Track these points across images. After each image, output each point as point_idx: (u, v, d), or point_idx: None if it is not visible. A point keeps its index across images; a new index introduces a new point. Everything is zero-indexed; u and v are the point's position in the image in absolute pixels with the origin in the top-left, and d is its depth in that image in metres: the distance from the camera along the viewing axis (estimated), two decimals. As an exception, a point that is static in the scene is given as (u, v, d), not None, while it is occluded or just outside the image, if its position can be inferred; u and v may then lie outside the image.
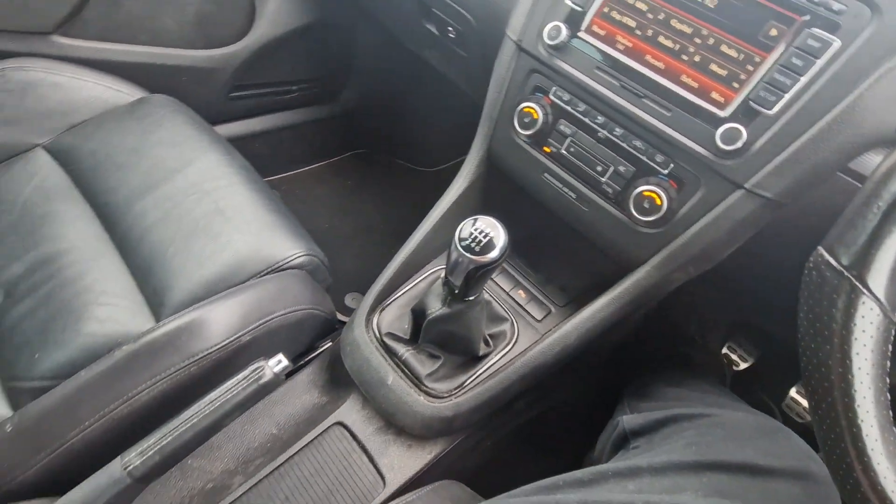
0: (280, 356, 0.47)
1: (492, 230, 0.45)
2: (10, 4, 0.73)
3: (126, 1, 0.87)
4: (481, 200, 0.69)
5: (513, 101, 0.59)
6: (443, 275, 0.54)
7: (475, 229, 0.45)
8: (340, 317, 0.71)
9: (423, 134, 1.52)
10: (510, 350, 0.60)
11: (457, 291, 0.50)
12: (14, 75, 0.71)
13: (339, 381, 0.62)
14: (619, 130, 0.52)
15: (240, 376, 0.45)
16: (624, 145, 0.52)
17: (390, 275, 0.63)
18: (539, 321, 0.65)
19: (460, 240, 0.45)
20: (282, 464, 0.54)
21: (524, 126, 0.58)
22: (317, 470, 0.54)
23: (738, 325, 0.93)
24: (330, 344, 0.66)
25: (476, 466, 0.64)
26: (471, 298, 0.51)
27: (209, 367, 0.49)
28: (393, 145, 1.54)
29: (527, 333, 0.63)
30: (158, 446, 0.41)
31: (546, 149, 0.58)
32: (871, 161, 0.42)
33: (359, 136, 1.51)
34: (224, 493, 0.53)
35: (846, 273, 0.29)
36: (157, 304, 0.59)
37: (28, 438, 0.43)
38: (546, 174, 0.59)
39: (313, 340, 0.68)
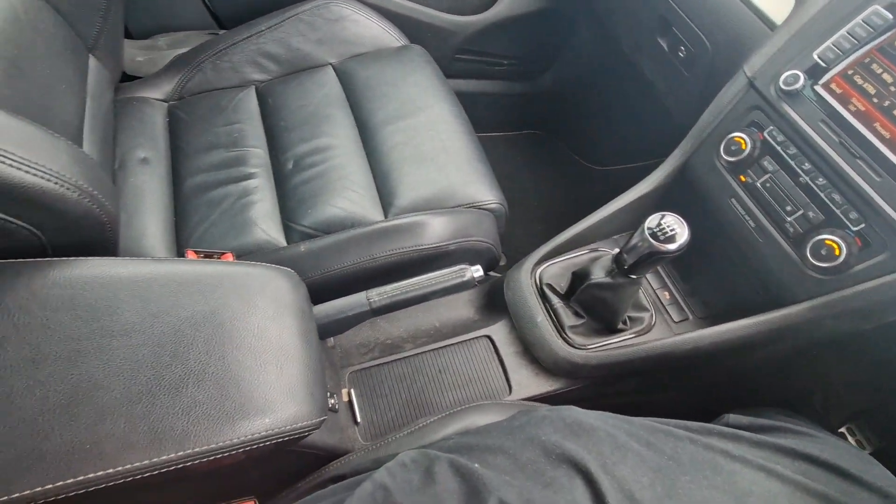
0: (478, 266, 0.63)
1: (678, 227, 0.55)
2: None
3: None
4: (658, 204, 0.78)
5: (725, 128, 0.67)
6: (614, 251, 0.65)
7: (664, 222, 0.55)
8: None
9: (602, 133, 1.59)
10: (644, 336, 0.70)
11: (625, 267, 0.60)
12: (334, 9, 0.95)
13: (494, 307, 0.77)
14: (821, 180, 0.57)
15: (447, 270, 0.62)
16: (821, 195, 0.57)
17: (562, 240, 0.76)
18: (676, 322, 0.73)
19: (648, 227, 0.56)
20: (440, 348, 0.71)
21: (729, 152, 0.65)
22: (463, 362, 0.70)
23: (867, 410, 0.90)
24: (492, 278, 0.81)
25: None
26: (633, 277, 0.62)
27: (423, 257, 0.67)
28: (570, 136, 1.63)
29: (661, 328, 0.72)
30: (391, 294, 0.59)
31: (742, 178, 0.65)
32: None
33: (541, 118, 1.63)
34: (397, 350, 0.71)
35: None
36: (387, 203, 0.79)
37: (310, 260, 0.65)
38: (733, 199, 0.66)
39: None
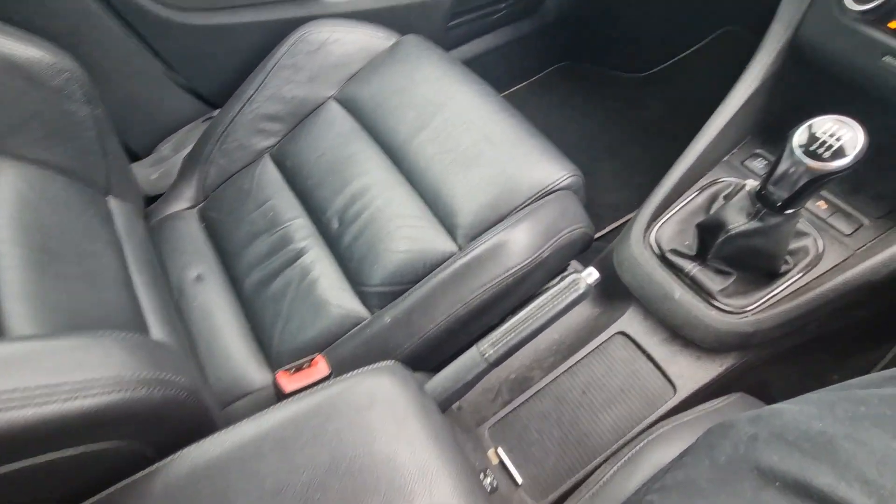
0: (592, 269, 0.52)
1: (846, 132, 0.40)
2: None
3: (360, -53, 0.94)
4: (774, 102, 0.61)
5: (841, -31, 0.49)
6: (746, 183, 0.51)
7: (822, 131, 0.41)
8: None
9: (628, 36, 1.38)
10: (817, 268, 0.55)
11: (779, 204, 0.46)
12: (311, 37, 0.85)
13: (614, 294, 0.66)
14: None
15: (556, 288, 0.51)
16: None
17: (666, 190, 0.62)
18: (848, 235, 0.57)
19: (800, 145, 0.42)
20: (574, 364, 0.61)
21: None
22: (606, 372, 0.60)
23: None
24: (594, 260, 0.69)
25: (760, 380, 0.63)
26: (790, 211, 0.48)
27: (519, 278, 0.56)
28: (596, 53, 1.44)
29: (834, 249, 0.57)
30: (504, 340, 0.50)
31: (892, 24, 0.47)
32: None
33: (560, 48, 1.44)
34: (527, 382, 0.62)
35: None
36: (450, 226, 0.69)
37: (401, 329, 0.58)
38: (887, 58, 0.49)
39: (574, 256, 0.73)
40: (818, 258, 0.56)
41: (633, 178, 1.23)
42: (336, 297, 0.70)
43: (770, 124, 0.65)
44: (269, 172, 0.85)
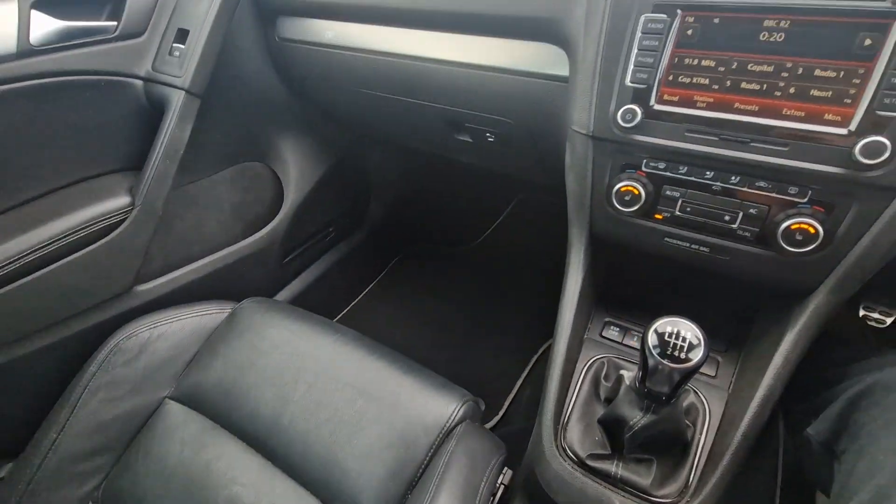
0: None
1: (685, 330, 0.44)
2: (97, 281, 0.77)
3: (175, 224, 0.91)
4: (597, 278, 0.69)
5: (602, 185, 0.60)
6: (627, 378, 0.53)
7: (669, 336, 0.44)
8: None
9: (447, 220, 1.56)
10: (712, 420, 0.58)
11: (664, 398, 0.48)
12: (127, 344, 0.73)
13: (553, 518, 0.59)
14: (734, 178, 0.52)
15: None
16: (746, 189, 0.51)
17: (554, 397, 0.61)
18: (714, 377, 0.62)
19: (654, 347, 0.44)
20: None
21: (626, 204, 0.58)
22: None
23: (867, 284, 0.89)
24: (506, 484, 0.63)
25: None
26: (674, 401, 0.49)
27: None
28: (427, 238, 1.57)
29: (713, 396, 0.60)
30: None
31: (658, 216, 0.58)
32: None
33: (394, 244, 1.55)
34: None
35: None
36: (354, 514, 0.58)
37: None
38: (667, 238, 0.58)
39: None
40: (707, 411, 0.59)
41: (506, 341, 1.27)
42: None
43: (605, 294, 0.73)
44: (96, 529, 0.65)
